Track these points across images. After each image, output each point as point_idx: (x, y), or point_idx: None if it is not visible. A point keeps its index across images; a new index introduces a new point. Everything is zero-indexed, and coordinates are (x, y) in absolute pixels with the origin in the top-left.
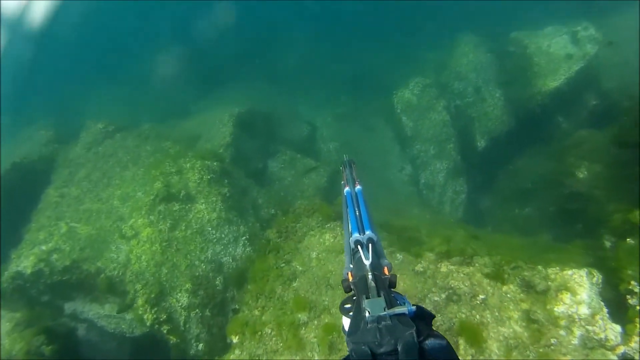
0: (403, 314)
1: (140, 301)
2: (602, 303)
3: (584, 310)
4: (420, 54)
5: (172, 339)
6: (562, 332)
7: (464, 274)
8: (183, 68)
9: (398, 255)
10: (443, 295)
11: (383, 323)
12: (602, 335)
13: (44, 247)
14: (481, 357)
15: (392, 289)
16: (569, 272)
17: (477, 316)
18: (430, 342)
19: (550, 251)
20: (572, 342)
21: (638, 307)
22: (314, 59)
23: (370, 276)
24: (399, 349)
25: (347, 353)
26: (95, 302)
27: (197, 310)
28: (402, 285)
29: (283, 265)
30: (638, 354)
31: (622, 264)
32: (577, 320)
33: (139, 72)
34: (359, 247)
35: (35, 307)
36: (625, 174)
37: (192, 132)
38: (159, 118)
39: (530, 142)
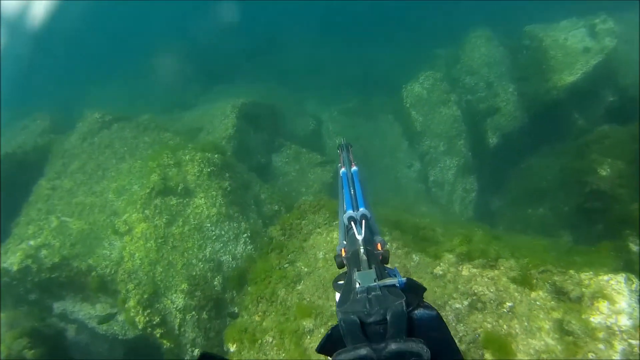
0: (393, 286)
1: (132, 302)
2: None
3: (624, 321)
4: (432, 48)
5: (166, 344)
6: (600, 346)
7: (489, 278)
8: (189, 63)
9: (414, 256)
10: (465, 302)
11: (373, 293)
12: None
13: (32, 243)
14: None
15: (385, 264)
16: (605, 277)
17: (505, 326)
18: (419, 312)
19: (576, 254)
20: (613, 357)
21: None
22: (322, 55)
23: (362, 250)
24: (387, 318)
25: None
26: (86, 302)
27: (194, 312)
28: None
29: (287, 265)
30: None
31: None
32: (617, 332)
33: (145, 66)
34: (352, 223)
35: (21, 306)
36: None
37: (193, 124)
38: (161, 110)
39: (544, 139)
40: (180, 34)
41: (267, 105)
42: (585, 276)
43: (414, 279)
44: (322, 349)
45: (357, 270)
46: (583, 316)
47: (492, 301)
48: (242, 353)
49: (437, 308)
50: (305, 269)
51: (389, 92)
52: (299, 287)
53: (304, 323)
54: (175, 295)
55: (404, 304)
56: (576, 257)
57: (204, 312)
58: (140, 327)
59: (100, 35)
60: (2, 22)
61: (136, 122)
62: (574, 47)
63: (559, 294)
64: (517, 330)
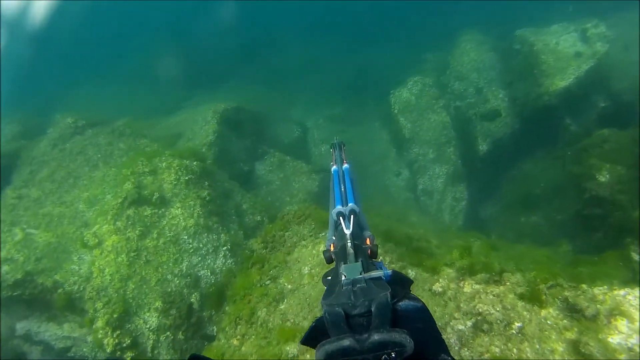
0: (379, 278)
1: (100, 322)
2: None
3: None
4: (420, 53)
5: None
6: None
7: (494, 295)
8: (173, 67)
9: (410, 271)
10: (469, 323)
11: (358, 286)
12: None
13: None
14: None
15: (374, 259)
16: (621, 292)
17: (514, 350)
18: (404, 303)
19: (581, 264)
20: None
21: None
22: (309, 60)
23: (349, 244)
24: (372, 310)
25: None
26: (52, 321)
27: (168, 332)
28: None
29: (268, 282)
30: None
31: None
32: None
33: (127, 69)
34: (340, 218)
35: None
36: None
37: (173, 130)
38: (141, 115)
39: (536, 145)
40: (166, 37)
41: (250, 111)
42: (599, 291)
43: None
44: (307, 340)
45: (344, 264)
46: (600, 336)
47: (499, 321)
48: None
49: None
50: (289, 286)
51: (377, 98)
52: (282, 307)
53: (287, 348)
54: (148, 314)
55: (388, 295)
56: (582, 269)
57: (180, 332)
58: (109, 350)
59: (81, 36)
60: (2, 22)
61: (111, 127)
62: (566, 52)
63: (572, 311)
64: (528, 354)
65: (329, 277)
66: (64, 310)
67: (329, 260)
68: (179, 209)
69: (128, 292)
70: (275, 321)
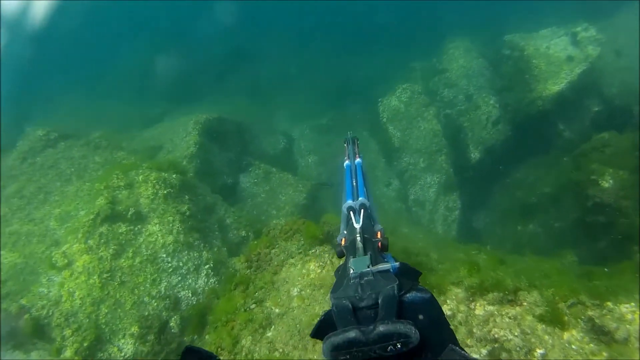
0: (387, 271)
1: (69, 352)
2: None
3: None
4: (407, 60)
5: None
6: None
7: (510, 318)
8: (154, 80)
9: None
10: (484, 351)
11: (365, 279)
12: None
13: None
14: None
15: (384, 252)
16: None
17: None
18: (411, 295)
19: (594, 277)
20: None
21: None
22: (293, 70)
23: (358, 238)
24: (379, 302)
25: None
26: (18, 349)
27: None
28: None
29: (253, 306)
30: None
31: None
32: None
33: (103, 83)
34: (351, 213)
35: None
36: None
37: (152, 142)
38: (119, 128)
39: (529, 152)
40: (146, 48)
41: (233, 122)
42: (626, 309)
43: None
44: (316, 334)
45: (352, 258)
46: None
47: (518, 348)
48: None
49: None
50: (277, 310)
51: (364, 106)
52: (269, 334)
53: None
54: (123, 340)
55: (395, 287)
56: (597, 282)
57: None
58: None
59: (58, 45)
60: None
61: (86, 140)
62: (557, 56)
63: (599, 333)
64: None
65: (339, 271)
66: (31, 337)
67: (340, 255)
68: (157, 225)
69: (100, 317)
70: (261, 351)
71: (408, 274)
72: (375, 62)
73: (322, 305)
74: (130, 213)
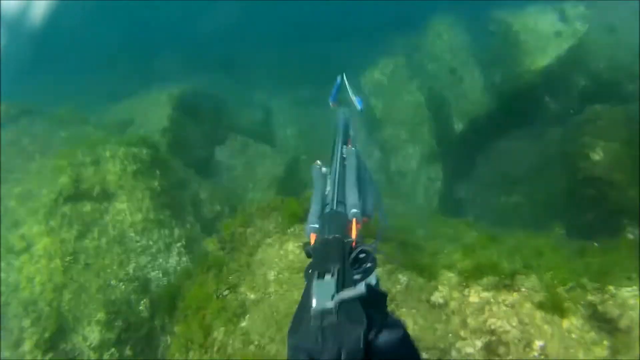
0: (355, 302)
1: (28, 344)
2: None
3: None
4: (391, 36)
5: None
6: None
7: (507, 306)
8: (125, 55)
9: (401, 276)
10: (479, 343)
11: (327, 321)
12: None
13: None
14: None
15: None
16: None
17: None
18: (382, 337)
19: (587, 254)
20: None
21: None
22: (272, 42)
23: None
24: (342, 358)
25: None
26: None
27: (113, 349)
28: (413, 327)
29: (227, 292)
30: None
31: None
32: None
33: (72, 56)
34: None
35: None
36: None
37: (123, 116)
38: (87, 103)
39: (513, 124)
40: (118, 21)
41: (209, 95)
42: (628, 293)
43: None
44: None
45: (317, 279)
46: None
47: (517, 341)
48: None
49: (439, 355)
50: (252, 296)
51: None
52: (244, 324)
53: None
54: (88, 328)
55: (362, 337)
56: (590, 259)
57: (127, 348)
58: None
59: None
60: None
61: (50, 115)
62: (545, 31)
63: (601, 321)
64: None
65: (306, 283)
66: None
67: (308, 255)
68: (125, 203)
69: (63, 304)
70: (235, 344)
71: (377, 302)
72: (358, 41)
73: (301, 291)
74: (96, 191)
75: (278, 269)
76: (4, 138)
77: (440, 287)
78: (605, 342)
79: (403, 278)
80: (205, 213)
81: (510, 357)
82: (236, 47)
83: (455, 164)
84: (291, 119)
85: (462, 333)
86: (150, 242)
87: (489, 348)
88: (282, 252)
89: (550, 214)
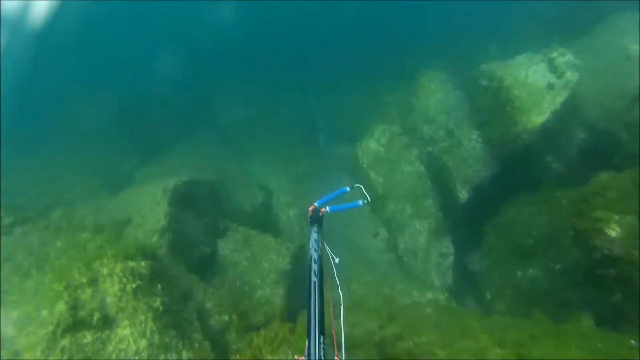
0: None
1: None
2: None
3: None
4: (382, 96)
5: None
6: None
7: None
8: (121, 128)
9: None
10: None
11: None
12: None
13: None
14: None
15: None
16: None
17: None
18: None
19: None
20: None
21: None
22: (266, 112)
23: None
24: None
25: None
26: None
27: None
28: None
29: None
30: None
31: None
32: None
33: (66, 137)
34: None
35: None
36: None
37: (120, 215)
38: (86, 194)
39: (519, 188)
40: (110, 94)
41: (205, 182)
42: None
43: None
44: None
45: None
46: None
47: None
48: None
49: None
50: None
51: (341, 150)
52: None
53: None
54: None
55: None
56: None
57: None
58: None
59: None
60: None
61: (46, 222)
62: (537, 85)
63: None
64: None
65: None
66: None
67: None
68: (127, 328)
69: None
70: None
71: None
72: (345, 100)
73: None
74: (95, 318)
75: None
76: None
77: None
78: None
79: None
80: (213, 325)
81: None
82: (227, 116)
83: (465, 236)
84: (292, 199)
85: None
86: None
87: None
88: None
89: (570, 292)
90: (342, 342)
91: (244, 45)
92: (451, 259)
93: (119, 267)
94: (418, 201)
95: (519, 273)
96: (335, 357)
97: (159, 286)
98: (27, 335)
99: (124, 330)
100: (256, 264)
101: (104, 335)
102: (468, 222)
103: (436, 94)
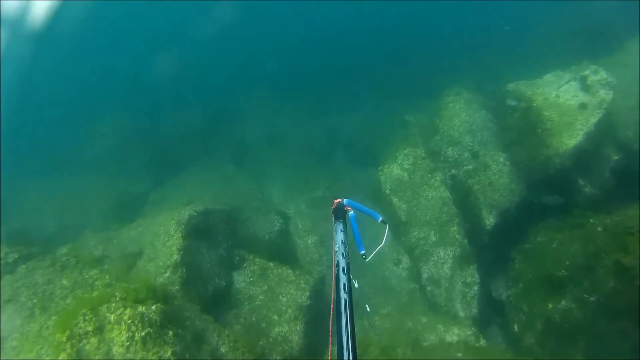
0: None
1: None
2: None
3: None
4: (405, 117)
5: None
6: None
7: None
8: (135, 150)
9: None
10: None
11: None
12: None
13: None
14: None
15: None
16: None
17: None
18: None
19: None
20: None
21: None
22: (284, 132)
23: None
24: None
25: None
26: None
27: None
28: None
29: None
30: None
31: None
32: None
33: (77, 160)
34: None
35: None
36: None
37: (131, 247)
38: (101, 220)
39: (549, 213)
40: (122, 117)
41: (220, 211)
42: None
43: None
44: None
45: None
46: None
47: None
48: None
49: None
50: None
51: (362, 171)
52: None
53: None
54: None
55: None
56: None
57: None
58: None
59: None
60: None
61: (52, 259)
62: (569, 105)
63: None
64: None
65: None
66: None
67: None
68: None
69: None
70: None
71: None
72: (369, 119)
73: None
74: None
75: None
76: (1, 294)
77: None
78: None
79: None
80: None
81: None
82: (243, 136)
83: (491, 264)
84: (310, 226)
85: None
86: None
87: None
88: None
89: (606, 325)
90: None
91: (263, 64)
92: (476, 288)
93: (127, 313)
94: (442, 228)
95: (550, 306)
96: None
97: (171, 333)
98: None
99: None
100: (273, 298)
101: None
102: (494, 248)
103: (461, 114)
